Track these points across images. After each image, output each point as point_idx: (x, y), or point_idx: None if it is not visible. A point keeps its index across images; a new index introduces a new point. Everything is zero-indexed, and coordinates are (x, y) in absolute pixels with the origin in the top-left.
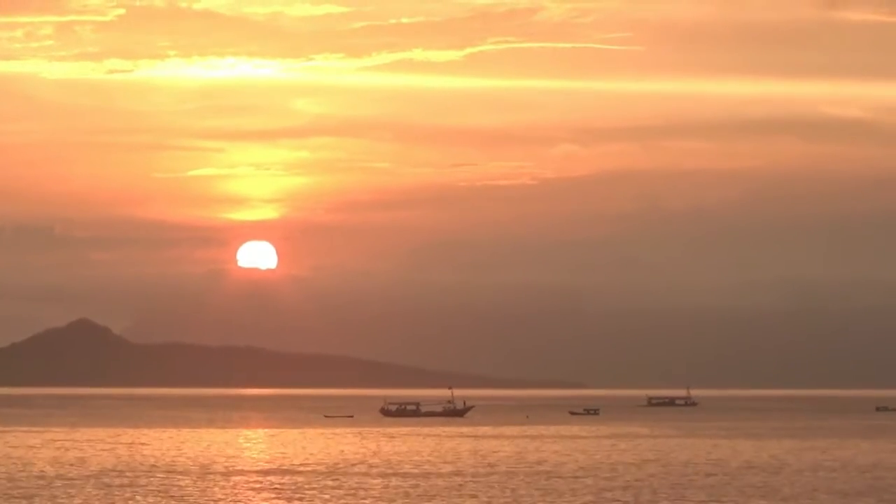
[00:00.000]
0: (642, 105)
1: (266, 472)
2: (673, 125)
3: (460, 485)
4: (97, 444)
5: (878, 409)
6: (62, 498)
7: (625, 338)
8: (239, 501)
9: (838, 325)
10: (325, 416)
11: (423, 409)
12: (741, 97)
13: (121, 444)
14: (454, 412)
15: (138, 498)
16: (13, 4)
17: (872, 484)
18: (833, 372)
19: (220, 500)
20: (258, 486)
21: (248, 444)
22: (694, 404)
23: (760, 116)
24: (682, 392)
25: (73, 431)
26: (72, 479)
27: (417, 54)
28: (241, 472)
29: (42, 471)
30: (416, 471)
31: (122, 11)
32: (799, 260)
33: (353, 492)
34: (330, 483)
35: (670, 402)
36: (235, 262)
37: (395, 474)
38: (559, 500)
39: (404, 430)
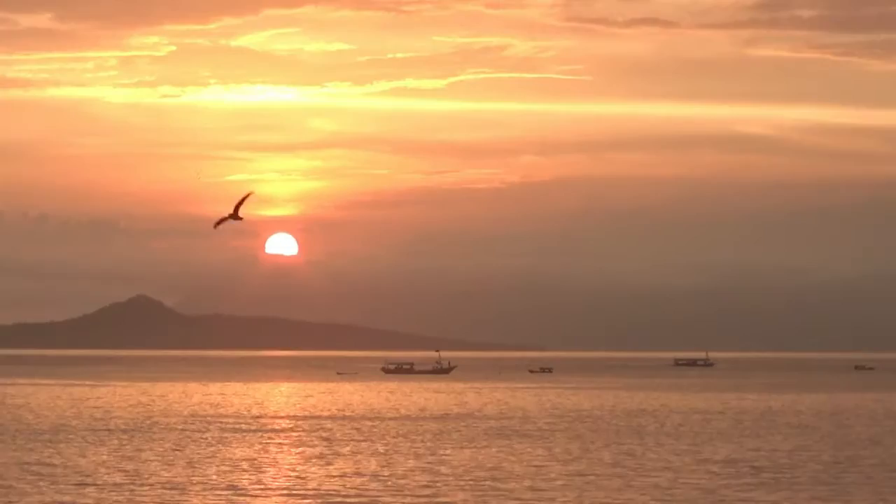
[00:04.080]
0: (592, 124)
1: (290, 417)
2: (616, 140)
3: (443, 429)
4: (159, 395)
5: (855, 367)
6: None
7: (577, 310)
8: (272, 441)
9: (747, 300)
10: (338, 374)
11: (417, 368)
12: (671, 118)
13: (176, 394)
14: (441, 370)
15: (198, 437)
16: (85, 42)
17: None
18: (742, 338)
19: (255, 441)
20: (286, 428)
21: (276, 395)
22: (711, 365)
23: (686, 133)
24: (701, 354)
25: (132, 385)
26: (138, 423)
27: (409, 83)
28: (271, 417)
29: (116, 415)
30: (410, 415)
31: (173, 48)
32: (716, 247)
33: (364, 432)
34: (345, 426)
35: (692, 364)
36: (264, 249)
37: (394, 419)
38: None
39: (401, 384)
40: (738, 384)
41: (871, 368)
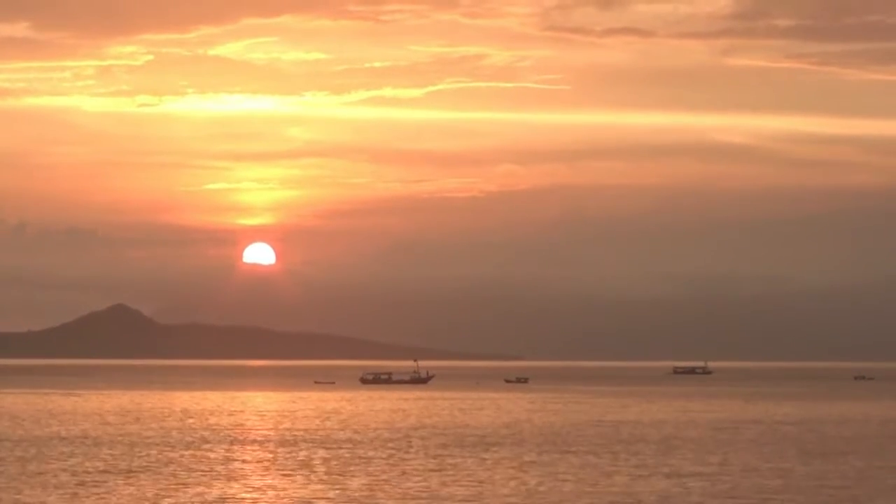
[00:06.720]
0: (569, 133)
1: (266, 427)
2: (593, 149)
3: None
4: (133, 405)
5: (856, 377)
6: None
7: (554, 318)
8: (245, 450)
9: (726, 309)
10: (315, 382)
11: (395, 377)
12: (648, 127)
13: (149, 404)
14: (419, 380)
15: (169, 447)
16: (62, 51)
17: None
18: (719, 347)
19: (229, 451)
20: (259, 438)
21: (252, 405)
22: (710, 373)
23: (663, 142)
24: (700, 363)
25: (107, 394)
26: (100, 434)
27: (387, 92)
28: (246, 427)
29: (84, 427)
30: (383, 426)
31: (150, 57)
32: (694, 256)
33: (338, 442)
34: (319, 436)
35: (691, 371)
36: (242, 258)
37: (366, 429)
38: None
39: (378, 394)
40: (768, 393)
41: (871, 378)
